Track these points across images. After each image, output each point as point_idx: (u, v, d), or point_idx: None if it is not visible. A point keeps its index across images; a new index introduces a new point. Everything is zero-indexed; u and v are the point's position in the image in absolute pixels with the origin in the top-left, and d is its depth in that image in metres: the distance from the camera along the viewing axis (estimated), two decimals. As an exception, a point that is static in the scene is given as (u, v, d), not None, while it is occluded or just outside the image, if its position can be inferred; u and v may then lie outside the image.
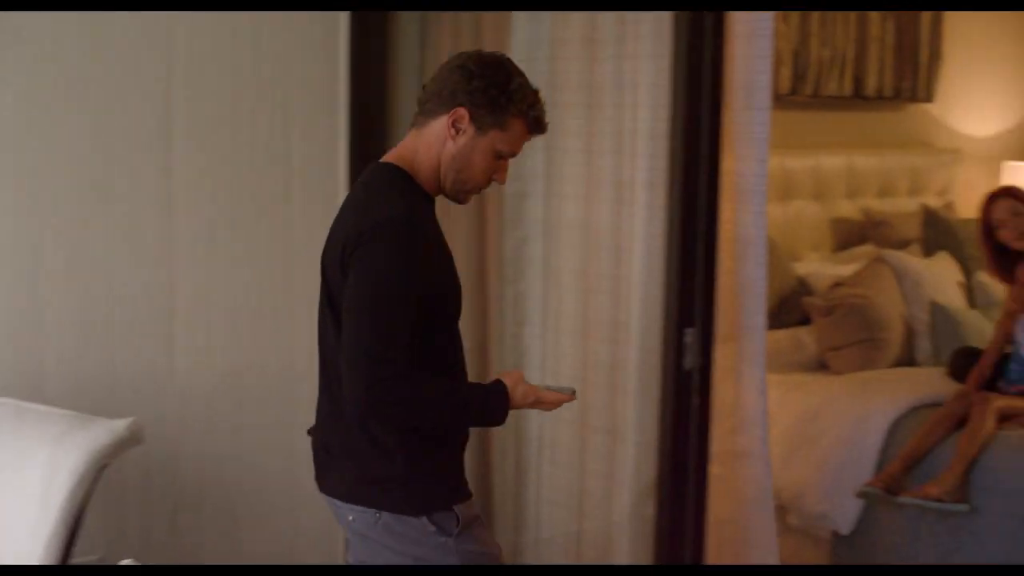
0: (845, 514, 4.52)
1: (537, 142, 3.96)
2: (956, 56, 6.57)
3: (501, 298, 4.21)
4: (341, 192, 4.06)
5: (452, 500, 2.69)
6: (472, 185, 2.73)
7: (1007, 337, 4.65)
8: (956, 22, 6.53)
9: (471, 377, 2.88)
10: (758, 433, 3.91)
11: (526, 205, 4.10)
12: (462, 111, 2.64)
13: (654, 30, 3.61)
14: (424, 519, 2.64)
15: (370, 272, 2.54)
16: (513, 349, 4.16)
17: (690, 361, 3.43)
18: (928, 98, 6.42)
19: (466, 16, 4.24)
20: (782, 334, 5.21)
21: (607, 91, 3.79)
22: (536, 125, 2.73)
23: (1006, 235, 4.74)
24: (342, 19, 4.02)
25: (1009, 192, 4.84)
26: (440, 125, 2.67)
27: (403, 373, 2.51)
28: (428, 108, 2.69)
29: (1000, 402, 4.40)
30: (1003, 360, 4.67)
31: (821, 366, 5.23)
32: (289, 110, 3.99)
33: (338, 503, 2.71)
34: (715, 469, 3.72)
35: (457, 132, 2.66)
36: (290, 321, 4.01)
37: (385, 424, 2.61)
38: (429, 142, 2.69)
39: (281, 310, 4.01)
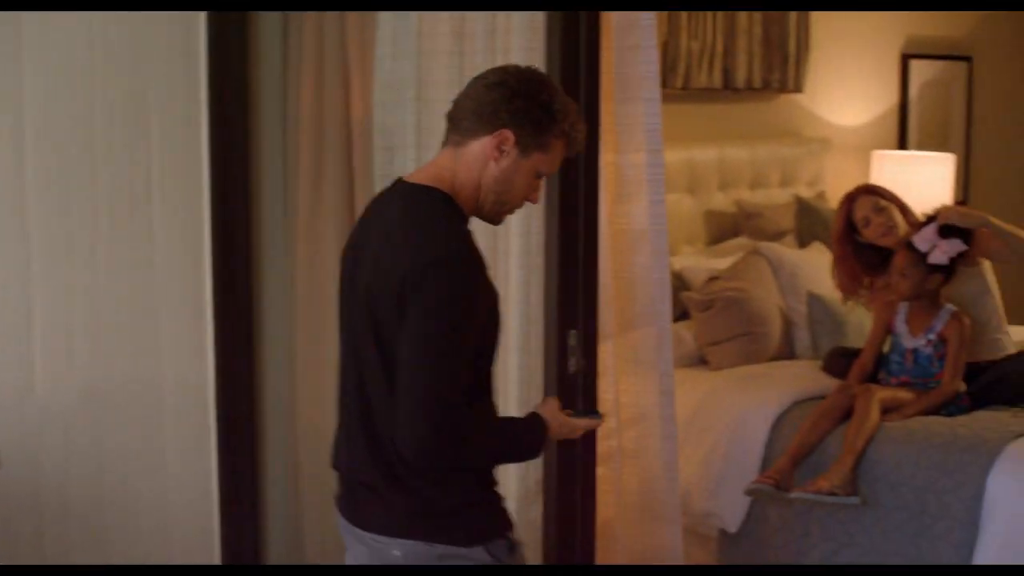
0: (732, 512, 4.45)
1: (407, 140, 3.89)
2: (824, 46, 6.58)
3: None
4: (204, 198, 3.91)
5: (505, 528, 2.68)
6: (511, 207, 2.66)
7: (887, 328, 4.62)
8: (823, 12, 6.53)
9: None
10: (659, 429, 3.84)
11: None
12: (508, 134, 2.56)
13: (526, 22, 3.50)
14: (480, 549, 2.61)
15: (434, 310, 2.46)
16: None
17: (574, 364, 3.33)
18: (797, 88, 6.41)
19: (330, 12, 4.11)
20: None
21: (479, 87, 3.66)
22: (575, 145, 2.66)
23: (872, 232, 4.75)
24: (201, 20, 3.88)
25: (868, 190, 4.84)
26: (480, 146, 2.58)
27: (467, 416, 2.49)
28: (465, 127, 2.59)
29: (883, 393, 4.37)
30: (882, 353, 4.65)
31: (701, 361, 5.17)
32: (147, 115, 3.83)
33: (381, 539, 2.62)
34: (600, 470, 3.64)
35: (501, 154, 2.57)
36: (154, 334, 3.85)
37: (445, 462, 2.54)
38: (468, 163, 2.60)
39: (143, 322, 3.85)
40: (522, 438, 2.66)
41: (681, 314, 5.29)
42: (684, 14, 5.76)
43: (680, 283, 5.33)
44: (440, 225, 2.55)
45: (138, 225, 3.84)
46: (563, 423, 2.73)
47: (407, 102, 3.85)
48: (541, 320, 3.44)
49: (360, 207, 4.09)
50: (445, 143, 2.64)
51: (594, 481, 3.53)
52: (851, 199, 4.81)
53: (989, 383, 4.52)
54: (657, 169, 3.67)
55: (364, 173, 4.16)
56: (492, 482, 2.70)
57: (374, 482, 2.61)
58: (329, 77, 4.23)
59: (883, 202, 4.77)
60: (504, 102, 2.55)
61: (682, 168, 5.77)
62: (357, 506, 2.68)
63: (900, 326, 4.58)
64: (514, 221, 3.55)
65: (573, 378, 3.33)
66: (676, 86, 5.79)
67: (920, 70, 7.20)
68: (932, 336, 4.49)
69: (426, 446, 2.43)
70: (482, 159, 2.58)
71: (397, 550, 2.59)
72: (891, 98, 7.13)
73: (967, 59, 7.54)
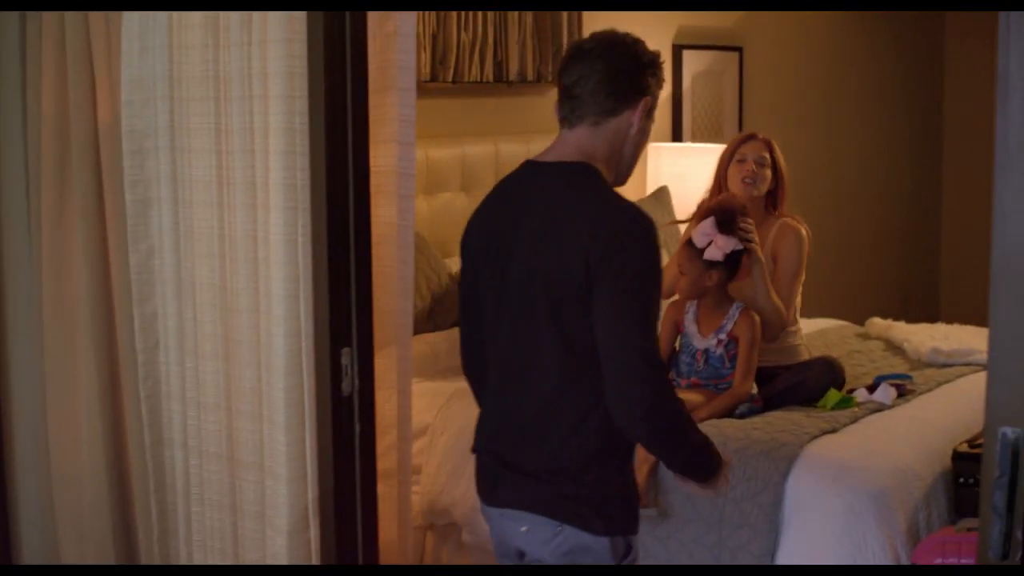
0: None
1: (160, 143, 3.56)
2: (596, 37, 6.42)
3: (129, 320, 3.71)
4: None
5: (632, 528, 2.78)
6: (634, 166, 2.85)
7: (677, 329, 4.47)
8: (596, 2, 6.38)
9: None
10: (406, 442, 3.63)
11: (151, 214, 3.62)
12: (649, 100, 2.76)
13: (285, 11, 3.20)
14: (606, 540, 2.69)
15: (639, 275, 2.56)
16: (147, 377, 3.67)
17: (348, 385, 3.05)
18: (571, 81, 6.22)
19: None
20: (439, 337, 4.90)
21: (234, 82, 3.36)
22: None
23: (741, 171, 4.69)
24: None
25: (768, 140, 4.75)
26: (624, 119, 2.74)
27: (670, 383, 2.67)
28: (606, 107, 2.72)
29: (673, 397, 4.20)
30: (673, 353, 4.49)
31: (483, 367, 4.95)
32: None
33: (517, 515, 2.73)
34: (382, 488, 3.41)
35: (640, 121, 2.76)
36: None
37: (658, 433, 2.61)
38: (610, 138, 2.74)
39: None
40: (707, 442, 2.77)
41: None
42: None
43: (458, 287, 5.09)
44: (618, 197, 2.69)
45: None
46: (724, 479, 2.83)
47: (158, 100, 3.52)
48: (311, 336, 3.15)
49: (113, 217, 3.75)
50: (572, 123, 2.76)
51: (375, 500, 3.25)
52: (746, 137, 4.68)
53: (785, 389, 4.40)
54: (409, 163, 3.43)
55: (113, 180, 3.79)
56: (633, 480, 2.78)
57: (518, 461, 2.72)
58: (73, 75, 3.85)
59: (768, 159, 4.68)
60: (637, 75, 2.74)
61: (455, 165, 5.54)
62: (492, 483, 2.79)
63: (689, 326, 4.43)
64: (273, 226, 3.26)
65: (348, 400, 3.05)
66: (447, 80, 5.55)
67: (693, 61, 7.12)
68: (722, 336, 4.35)
69: (649, 407, 2.50)
70: (625, 129, 2.75)
71: (525, 525, 2.73)
72: (665, 89, 7.01)
73: (738, 49, 7.50)
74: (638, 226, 2.60)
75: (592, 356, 2.63)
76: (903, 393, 4.53)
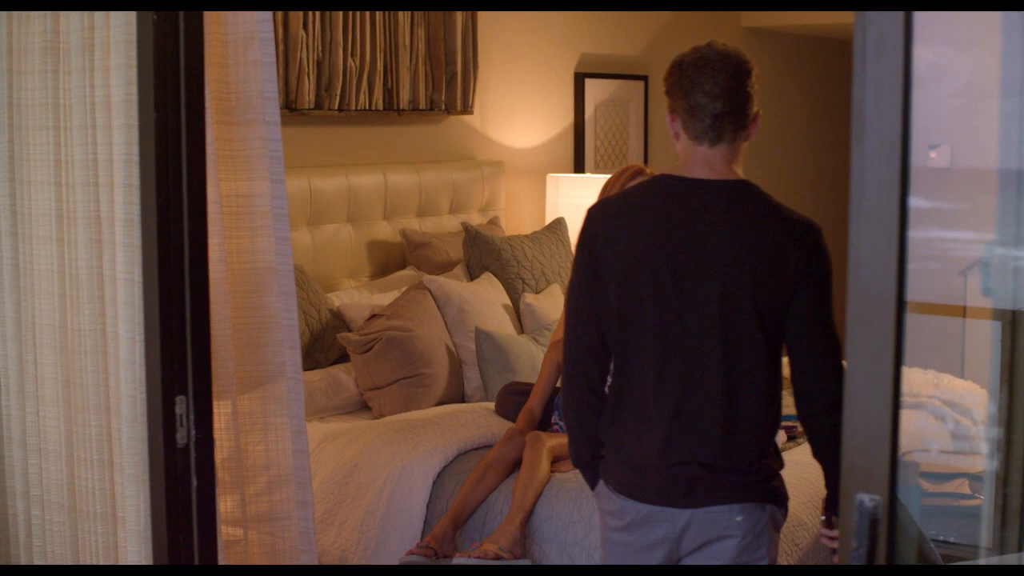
0: (394, 579, 4.03)
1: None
2: (492, 64, 6.25)
3: (-33, 363, 3.48)
4: None
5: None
6: None
7: (559, 368, 4.28)
8: (490, 29, 6.21)
9: None
10: (292, 492, 3.41)
11: (-11, 249, 3.39)
12: (760, 113, 2.94)
13: (125, 36, 3.00)
14: (781, 510, 2.98)
15: (826, 281, 2.85)
16: (-14, 423, 3.43)
17: (184, 435, 2.83)
18: (466, 110, 6.04)
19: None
20: (317, 375, 4.70)
21: (75, 110, 3.15)
22: None
23: None
24: None
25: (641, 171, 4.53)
26: (747, 134, 2.94)
27: None
28: (741, 122, 2.89)
29: (552, 441, 4.01)
30: (554, 394, 4.31)
31: (364, 407, 4.75)
32: None
33: (718, 508, 2.88)
34: (252, 535, 3.29)
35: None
36: None
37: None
38: (740, 153, 2.95)
39: None
40: None
41: (339, 356, 4.86)
42: (340, 28, 5.31)
43: (340, 322, 4.89)
44: (795, 211, 2.90)
45: None
46: None
47: (-4, 129, 3.30)
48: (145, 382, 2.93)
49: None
50: (713, 140, 2.88)
51: (215, 556, 3.03)
52: (635, 172, 4.50)
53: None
54: (281, 201, 3.25)
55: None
56: None
57: (718, 461, 2.86)
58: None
59: None
60: (752, 88, 2.89)
61: (341, 196, 5.33)
62: (688, 489, 2.87)
63: (571, 366, 4.24)
64: (120, 263, 3.05)
65: (184, 452, 2.84)
66: (332, 107, 5.35)
67: (596, 89, 6.96)
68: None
69: (840, 397, 2.50)
70: (744, 144, 2.95)
71: (739, 515, 2.88)
72: (566, 118, 6.87)
73: (643, 78, 7.37)
74: (821, 235, 2.85)
75: (776, 357, 2.90)
76: (793, 436, 4.37)
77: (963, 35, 2.99)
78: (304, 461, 3.44)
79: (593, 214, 2.99)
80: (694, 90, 2.87)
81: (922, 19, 1.90)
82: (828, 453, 2.94)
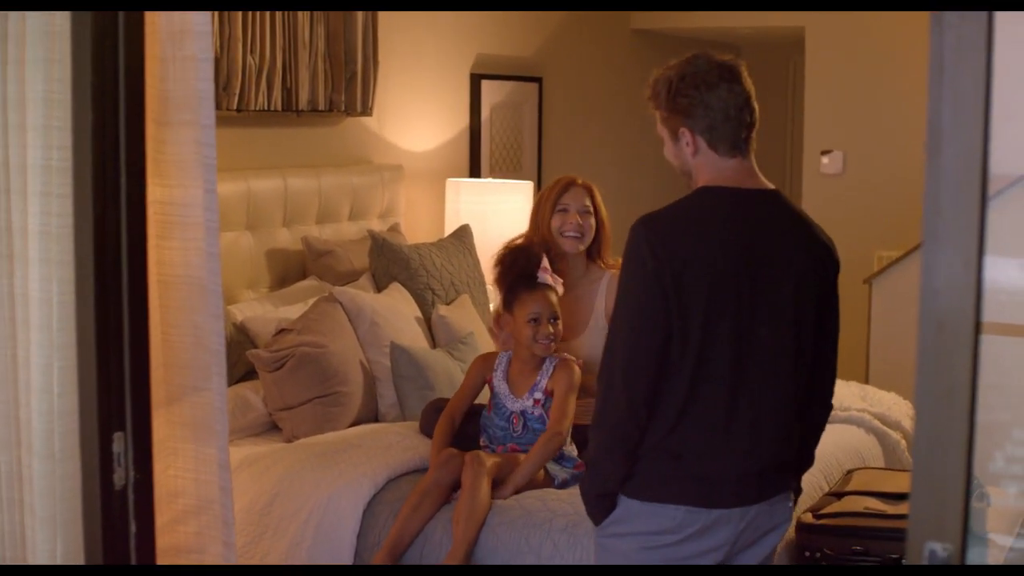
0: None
1: None
2: (390, 64, 5.98)
3: None
4: None
5: None
6: None
7: (484, 382, 4.04)
8: (391, 28, 5.95)
9: None
10: (221, 520, 3.13)
11: None
12: None
13: (43, 28, 2.68)
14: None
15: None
16: None
17: (122, 476, 2.53)
18: (366, 111, 5.76)
19: None
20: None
21: (-14, 110, 2.83)
22: None
23: (563, 224, 4.25)
24: None
25: (588, 187, 4.33)
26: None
27: None
28: (752, 134, 2.96)
29: (491, 461, 3.76)
30: (477, 411, 4.06)
31: (273, 428, 4.46)
32: None
33: (779, 497, 3.00)
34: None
35: None
36: None
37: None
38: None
39: None
40: None
41: (245, 373, 4.56)
42: (239, 24, 5.00)
43: (244, 337, 4.59)
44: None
45: None
46: None
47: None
48: (73, 416, 2.62)
49: None
50: (744, 150, 2.92)
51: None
52: (567, 184, 4.27)
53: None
54: (213, 213, 2.96)
55: None
56: None
57: (788, 456, 3.01)
58: None
59: (591, 207, 4.27)
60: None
61: (239, 201, 5.01)
62: (761, 488, 2.93)
63: (499, 385, 3.98)
64: (35, 281, 2.73)
65: (121, 495, 2.53)
66: (231, 108, 5.04)
67: (491, 91, 6.75)
68: (538, 394, 3.92)
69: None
70: None
71: (789, 501, 3.06)
72: (462, 121, 6.63)
73: (537, 80, 7.17)
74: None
75: None
76: None
77: None
78: (229, 499, 3.16)
79: (657, 230, 2.86)
80: (721, 105, 2.87)
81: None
82: (811, 443, 3.16)
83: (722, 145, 2.89)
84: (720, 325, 2.82)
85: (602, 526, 2.95)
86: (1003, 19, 1.73)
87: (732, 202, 2.89)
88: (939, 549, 1.79)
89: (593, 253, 4.30)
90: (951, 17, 1.72)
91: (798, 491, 3.17)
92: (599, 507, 2.94)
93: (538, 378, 3.94)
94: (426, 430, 4.16)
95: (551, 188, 4.29)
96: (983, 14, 1.71)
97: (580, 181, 4.29)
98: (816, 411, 3.11)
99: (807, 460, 3.17)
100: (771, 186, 2.97)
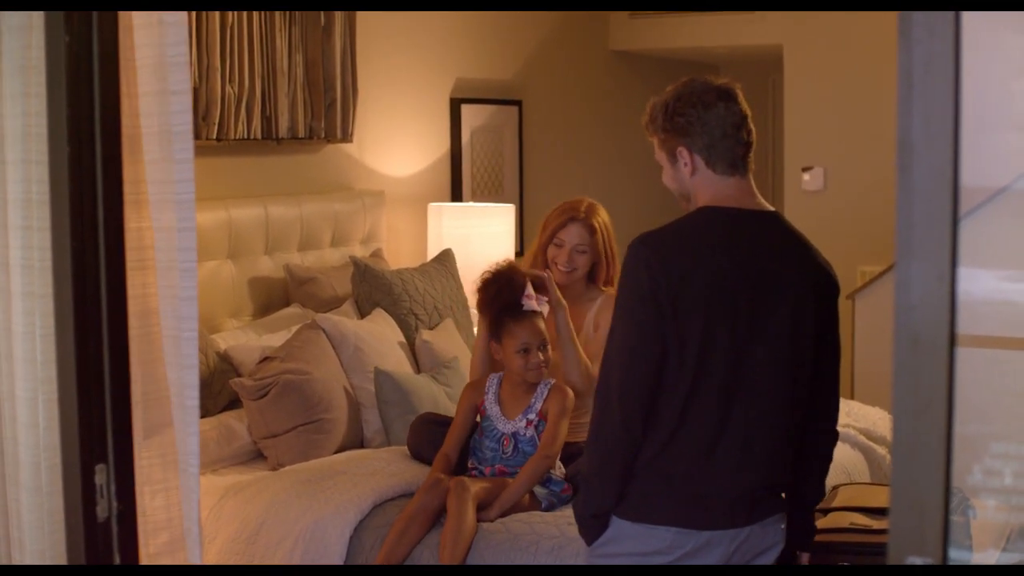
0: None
1: None
2: (369, 90, 6.00)
3: None
4: None
5: None
6: None
7: (477, 410, 4.04)
8: (370, 54, 5.96)
9: None
10: (196, 553, 3.13)
11: None
12: None
13: (21, 61, 2.69)
14: None
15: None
16: None
17: (105, 508, 2.53)
18: (346, 138, 5.77)
19: None
20: (208, 423, 4.38)
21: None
22: None
23: (558, 256, 4.31)
24: None
25: (590, 226, 4.33)
26: None
27: None
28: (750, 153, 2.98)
29: (477, 486, 3.76)
30: (469, 437, 4.06)
31: (258, 456, 4.45)
32: None
33: (771, 519, 2.97)
34: None
35: None
36: None
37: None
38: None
39: None
40: None
41: (229, 402, 4.56)
42: (218, 54, 5.02)
43: (228, 366, 4.59)
44: None
45: None
46: None
47: None
48: (52, 449, 2.62)
49: None
50: (743, 170, 2.92)
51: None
52: (568, 219, 4.26)
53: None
54: (190, 253, 2.95)
55: None
56: None
57: (781, 479, 2.98)
58: None
59: (587, 244, 4.29)
60: None
61: (221, 230, 5.02)
62: (753, 509, 2.92)
63: (491, 407, 4.00)
64: (18, 315, 2.74)
65: (105, 527, 2.53)
66: (210, 137, 5.05)
67: (471, 115, 6.76)
68: (532, 415, 3.93)
69: None
70: None
71: (782, 523, 3.00)
72: (443, 146, 6.64)
73: (517, 103, 7.19)
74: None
75: None
76: None
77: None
78: (196, 515, 3.15)
79: (655, 249, 2.85)
80: (719, 123, 2.89)
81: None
82: (816, 470, 3.13)
83: (720, 163, 2.89)
84: (716, 344, 2.81)
85: (594, 546, 2.94)
86: (978, 26, 1.75)
87: (731, 222, 2.89)
88: (919, 563, 1.79)
89: (594, 276, 4.35)
90: (919, 32, 1.73)
91: (812, 531, 3.17)
92: (592, 528, 2.93)
93: (532, 400, 3.95)
94: (414, 445, 4.17)
95: (554, 215, 4.33)
96: (950, 32, 1.72)
97: (583, 214, 4.30)
98: (822, 439, 3.11)
99: (817, 492, 3.15)
100: (770, 208, 2.97)
